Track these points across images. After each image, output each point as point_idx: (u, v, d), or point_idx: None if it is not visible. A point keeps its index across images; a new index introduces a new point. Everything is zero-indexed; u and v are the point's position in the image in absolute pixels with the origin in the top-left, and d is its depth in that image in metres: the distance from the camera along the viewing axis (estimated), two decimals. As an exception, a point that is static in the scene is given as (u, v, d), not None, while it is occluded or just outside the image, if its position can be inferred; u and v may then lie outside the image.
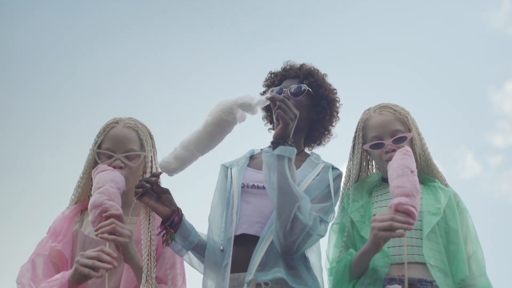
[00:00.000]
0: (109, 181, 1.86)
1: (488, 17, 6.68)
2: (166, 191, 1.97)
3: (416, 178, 1.83)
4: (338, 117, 2.24)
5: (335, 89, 2.22)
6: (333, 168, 2.06)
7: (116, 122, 2.13)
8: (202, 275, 1.97)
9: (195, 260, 2.01)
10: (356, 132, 2.21)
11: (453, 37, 6.21)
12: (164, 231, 1.93)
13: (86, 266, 1.67)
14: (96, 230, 1.78)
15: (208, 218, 2.04)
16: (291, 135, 1.85)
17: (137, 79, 5.75)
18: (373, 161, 2.27)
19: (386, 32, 6.15)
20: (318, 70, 2.21)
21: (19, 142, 5.35)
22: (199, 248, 1.97)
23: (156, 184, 1.95)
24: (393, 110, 2.14)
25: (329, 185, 1.97)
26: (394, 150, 2.02)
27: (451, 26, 6.18)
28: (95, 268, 1.67)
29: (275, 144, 1.83)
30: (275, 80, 2.24)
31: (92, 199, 1.84)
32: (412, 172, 1.83)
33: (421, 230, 1.93)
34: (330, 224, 1.99)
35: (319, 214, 1.88)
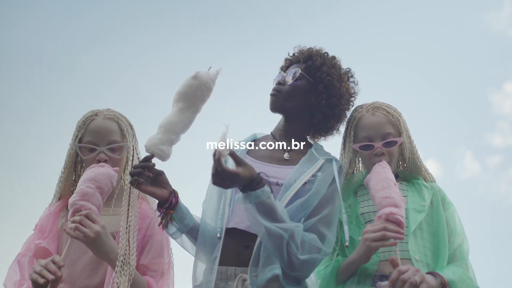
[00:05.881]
0: (87, 181, 1.83)
1: (489, 18, 6.65)
2: (161, 173, 1.87)
3: (398, 190, 1.87)
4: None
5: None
6: (336, 160, 1.96)
7: (95, 114, 2.10)
8: (190, 262, 1.90)
9: (188, 243, 1.93)
10: (347, 129, 2.16)
11: (454, 38, 6.19)
12: (163, 214, 1.83)
13: (36, 272, 1.67)
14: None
15: (203, 204, 1.96)
16: (249, 181, 1.66)
17: (135, 78, 5.74)
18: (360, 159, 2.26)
19: (388, 32, 6.13)
20: (320, 53, 2.06)
21: (16, 139, 5.34)
22: (193, 231, 1.89)
23: (152, 167, 1.84)
24: (386, 112, 2.10)
25: (333, 180, 1.88)
26: (383, 154, 2.03)
27: (452, 27, 6.16)
28: (42, 276, 1.66)
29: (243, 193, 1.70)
30: (286, 66, 2.13)
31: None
32: (394, 184, 1.87)
33: (407, 227, 1.93)
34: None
35: (319, 227, 1.78)
